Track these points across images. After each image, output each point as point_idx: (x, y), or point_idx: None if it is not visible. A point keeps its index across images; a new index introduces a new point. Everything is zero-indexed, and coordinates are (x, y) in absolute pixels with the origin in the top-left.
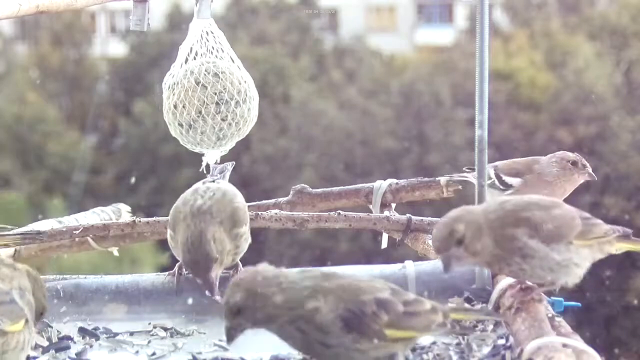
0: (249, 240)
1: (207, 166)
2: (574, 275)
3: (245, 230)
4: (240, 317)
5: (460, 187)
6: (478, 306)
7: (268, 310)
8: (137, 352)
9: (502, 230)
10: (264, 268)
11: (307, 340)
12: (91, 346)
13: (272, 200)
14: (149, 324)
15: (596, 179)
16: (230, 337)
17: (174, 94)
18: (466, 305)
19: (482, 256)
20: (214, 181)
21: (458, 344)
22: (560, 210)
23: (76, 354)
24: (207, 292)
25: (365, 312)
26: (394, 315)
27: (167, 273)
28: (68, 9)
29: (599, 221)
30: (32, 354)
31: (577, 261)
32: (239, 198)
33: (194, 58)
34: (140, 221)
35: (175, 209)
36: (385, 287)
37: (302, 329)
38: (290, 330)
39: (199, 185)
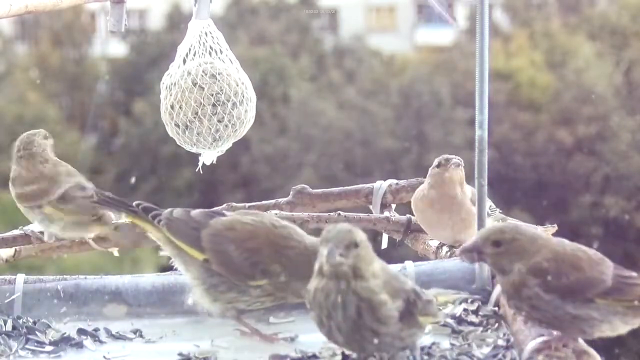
0: None
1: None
2: (605, 329)
3: None
4: None
5: None
6: (475, 305)
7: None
8: (136, 351)
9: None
10: None
11: (358, 324)
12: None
13: (272, 201)
14: (148, 324)
15: None
16: None
17: (171, 95)
18: (440, 290)
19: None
20: None
21: (459, 345)
22: (586, 264)
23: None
24: None
25: (410, 301)
26: (422, 303)
27: None
28: (54, 9)
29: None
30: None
31: (601, 318)
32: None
33: (192, 59)
34: None
35: None
36: (406, 279)
37: (362, 314)
38: (350, 308)
39: None
